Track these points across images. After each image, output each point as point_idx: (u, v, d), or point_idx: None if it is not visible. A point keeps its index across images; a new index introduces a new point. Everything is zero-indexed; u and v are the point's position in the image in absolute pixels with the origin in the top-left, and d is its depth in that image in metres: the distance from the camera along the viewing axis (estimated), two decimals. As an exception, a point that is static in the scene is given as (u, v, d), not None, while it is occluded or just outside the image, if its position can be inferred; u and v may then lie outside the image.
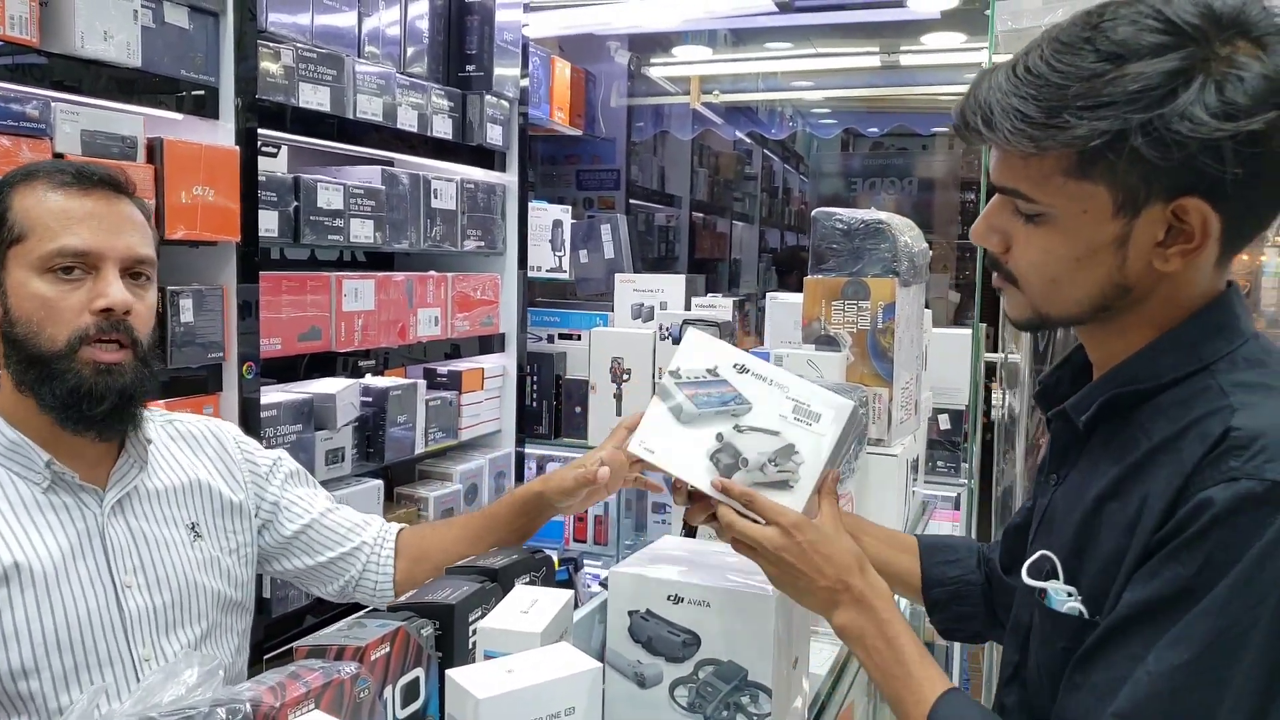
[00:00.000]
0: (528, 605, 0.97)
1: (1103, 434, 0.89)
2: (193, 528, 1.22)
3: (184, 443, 1.27)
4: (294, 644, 0.90)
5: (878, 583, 0.97)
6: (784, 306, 2.77)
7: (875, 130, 6.15)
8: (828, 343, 2.06)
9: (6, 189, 1.09)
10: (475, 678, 0.80)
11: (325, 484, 2.23)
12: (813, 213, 2.12)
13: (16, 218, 1.07)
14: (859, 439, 1.07)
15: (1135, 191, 0.78)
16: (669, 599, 1.02)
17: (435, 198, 2.50)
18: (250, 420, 1.92)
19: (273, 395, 2.07)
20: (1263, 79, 0.73)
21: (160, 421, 1.28)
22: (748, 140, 6.02)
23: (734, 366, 1.01)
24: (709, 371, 1.02)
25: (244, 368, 1.92)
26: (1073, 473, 0.93)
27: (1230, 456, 0.76)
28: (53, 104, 1.55)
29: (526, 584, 1.11)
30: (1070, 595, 0.86)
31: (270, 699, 0.76)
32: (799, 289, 2.11)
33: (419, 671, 0.94)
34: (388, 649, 0.90)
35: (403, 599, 1.01)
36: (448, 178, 2.55)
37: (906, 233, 2.12)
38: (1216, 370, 0.83)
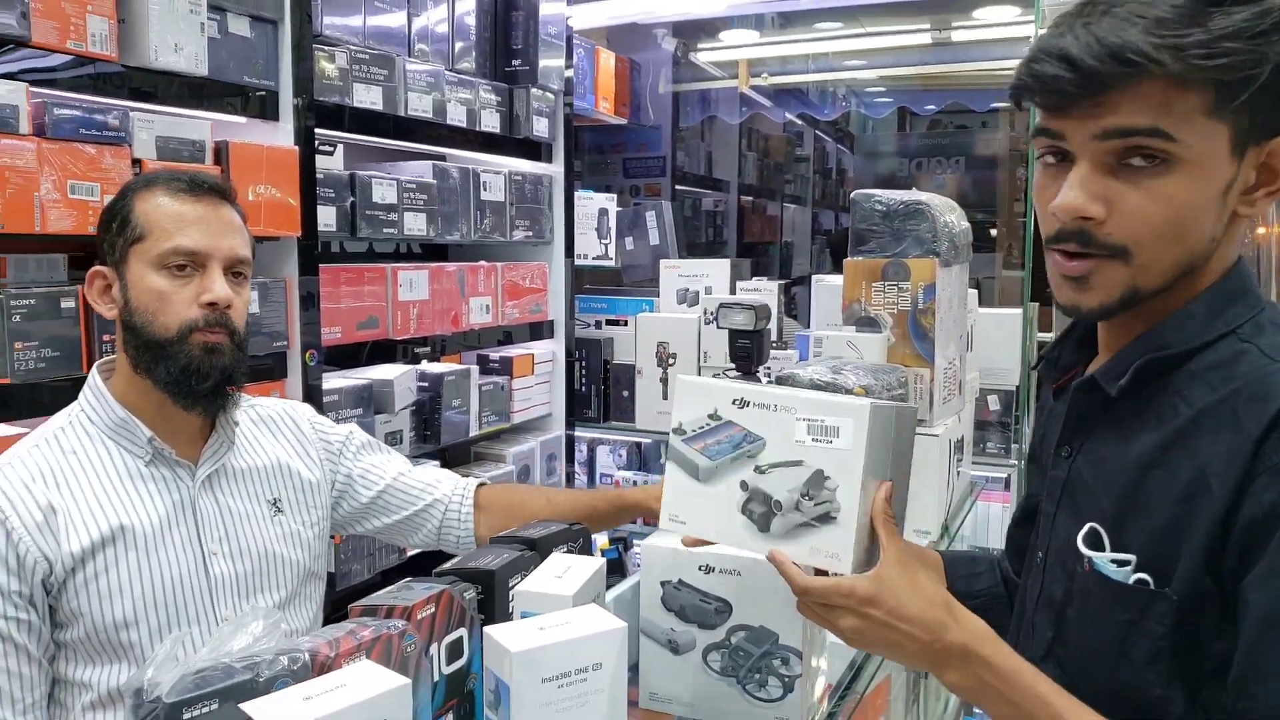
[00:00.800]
0: (562, 571, 1.04)
1: (1132, 401, 0.87)
2: (274, 504, 1.34)
3: (264, 425, 1.39)
4: (349, 605, 0.99)
5: (973, 624, 0.87)
6: (830, 289, 2.79)
7: (931, 108, 6.07)
8: (868, 324, 2.09)
9: (129, 194, 1.23)
10: (510, 634, 0.88)
11: (385, 465, 2.36)
12: (852, 194, 2.15)
13: (138, 220, 1.21)
14: (912, 429, 0.98)
15: (1246, 131, 0.78)
16: (700, 569, 1.06)
17: (484, 190, 2.59)
18: (314, 404, 2.04)
19: (334, 381, 2.19)
20: None
21: (243, 406, 1.40)
22: (798, 122, 6.00)
23: (734, 403, 0.92)
24: (711, 417, 0.93)
25: (306, 355, 2.04)
26: (1093, 443, 0.92)
27: None
28: (130, 114, 1.67)
29: (564, 554, 1.19)
30: (1126, 565, 0.83)
31: (326, 650, 0.85)
32: (855, 271, 2.14)
33: (462, 631, 1.03)
34: (433, 609, 0.98)
35: (448, 565, 1.10)
36: (496, 170, 2.64)
37: (947, 213, 2.13)
38: (1243, 334, 0.83)
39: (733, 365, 1.92)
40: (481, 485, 1.52)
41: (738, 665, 1.05)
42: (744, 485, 0.91)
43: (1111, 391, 0.87)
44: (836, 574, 0.87)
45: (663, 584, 1.09)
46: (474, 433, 2.58)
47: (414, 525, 1.48)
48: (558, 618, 0.91)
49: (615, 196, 3.15)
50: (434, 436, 2.45)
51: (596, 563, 1.08)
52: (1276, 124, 0.79)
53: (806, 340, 2.64)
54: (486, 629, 0.90)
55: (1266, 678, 0.75)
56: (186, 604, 1.22)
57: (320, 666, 0.84)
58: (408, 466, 1.51)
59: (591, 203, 3.04)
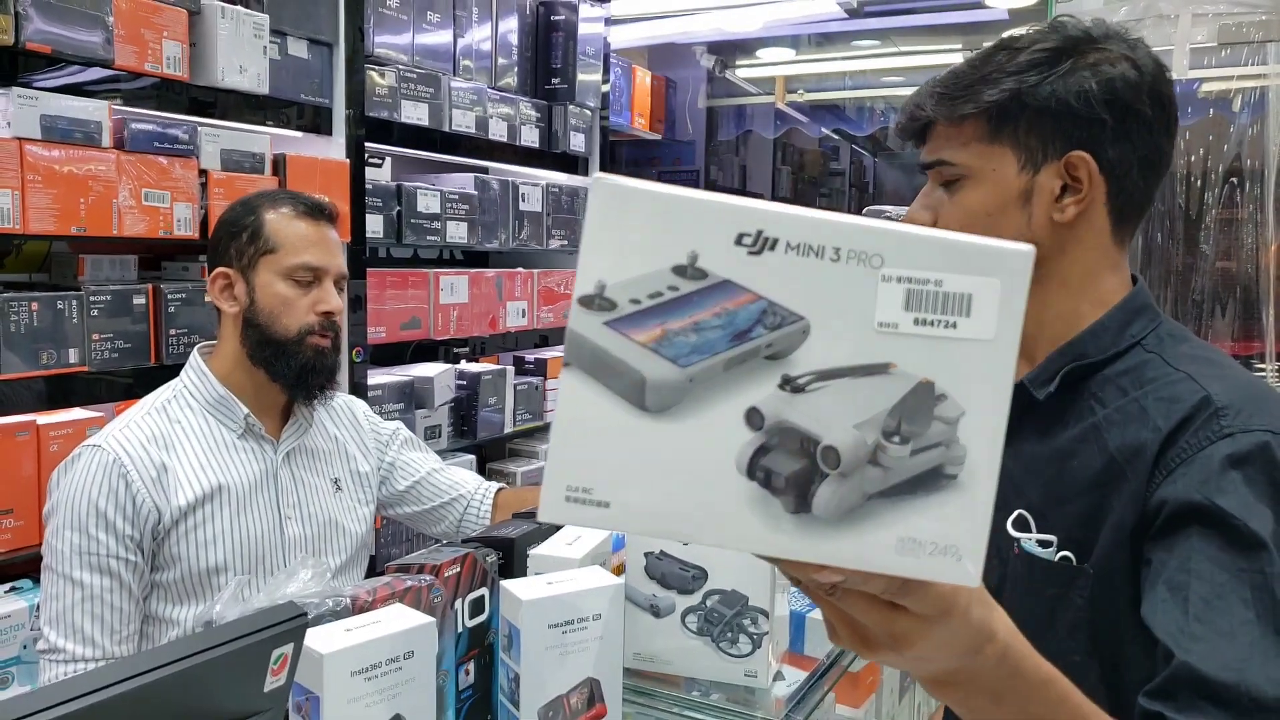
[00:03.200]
0: (573, 540, 1.16)
1: (1053, 404, 1.00)
2: (336, 482, 1.53)
3: (329, 412, 1.58)
4: (386, 564, 1.12)
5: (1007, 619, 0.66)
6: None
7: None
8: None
9: (259, 210, 1.43)
10: (523, 586, 1.00)
11: (424, 459, 2.50)
12: (864, 210, 2.25)
13: (270, 234, 1.41)
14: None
15: (1034, 151, 0.95)
16: (680, 541, 1.18)
17: (523, 201, 2.73)
18: (359, 398, 2.19)
19: (378, 377, 2.34)
20: (1124, 60, 0.95)
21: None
22: (834, 137, 6.09)
23: (740, 242, 0.44)
24: (678, 271, 0.45)
25: (353, 352, 2.19)
26: (1017, 442, 1.01)
27: (1220, 418, 0.87)
28: (198, 128, 1.84)
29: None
30: (1049, 545, 0.95)
31: (364, 596, 0.98)
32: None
33: (484, 590, 1.15)
34: (459, 569, 1.11)
35: (474, 535, 1.22)
36: (534, 182, 2.78)
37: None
38: (1148, 345, 0.97)
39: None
40: (501, 489, 1.71)
41: (712, 625, 1.15)
42: (754, 419, 0.44)
43: (1039, 396, 0.99)
44: (952, 583, 0.47)
45: (646, 555, 1.18)
46: (508, 430, 2.71)
47: (439, 516, 1.66)
48: (565, 575, 1.03)
49: (648, 208, 3.26)
50: (471, 432, 2.58)
51: (602, 535, 1.20)
52: (1062, 144, 0.95)
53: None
54: (503, 582, 1.02)
55: (1199, 638, 0.82)
56: (265, 557, 1.40)
57: (359, 609, 0.97)
58: (441, 466, 1.71)
59: (625, 214, 3.16)
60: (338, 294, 1.46)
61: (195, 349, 1.46)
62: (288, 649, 0.60)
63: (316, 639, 0.84)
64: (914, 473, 0.44)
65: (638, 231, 0.45)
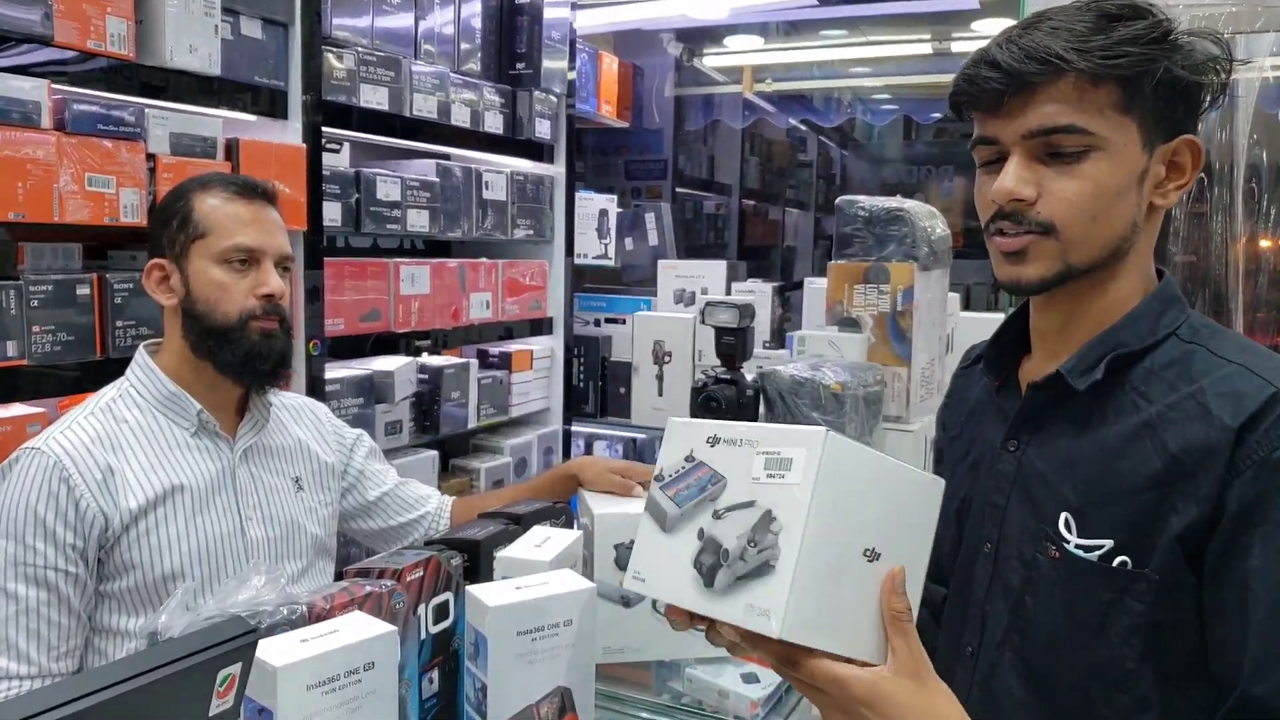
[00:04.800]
0: (541, 541, 1.12)
1: (1090, 397, 0.93)
2: (296, 480, 1.47)
3: (288, 412, 1.52)
4: (344, 568, 1.07)
5: None
6: (821, 292, 2.87)
7: (935, 115, 6.14)
8: (850, 324, 2.17)
9: (188, 195, 1.36)
10: (489, 591, 0.95)
11: (385, 452, 2.43)
12: (837, 200, 2.23)
13: (199, 219, 1.34)
14: (930, 504, 0.83)
15: (1152, 129, 0.90)
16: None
17: (487, 189, 2.67)
18: (316, 393, 2.12)
19: (336, 371, 2.26)
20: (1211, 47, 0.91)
21: (271, 394, 1.52)
22: (802, 128, 6.08)
23: (707, 442, 0.80)
24: (686, 460, 0.82)
25: (310, 345, 2.11)
26: (1045, 436, 0.96)
27: None
28: (145, 110, 1.75)
29: (545, 527, 1.26)
30: (1097, 549, 0.88)
31: (321, 603, 0.93)
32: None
33: (448, 595, 1.10)
34: (421, 573, 1.06)
35: (438, 536, 1.18)
36: (498, 170, 2.72)
37: (927, 219, 2.21)
38: (1182, 335, 0.93)
39: (719, 363, 1.99)
40: (455, 501, 1.67)
41: None
42: (700, 534, 0.78)
43: (1080, 387, 0.93)
44: (767, 636, 0.72)
45: (616, 546, 1.19)
46: (472, 425, 2.65)
47: (402, 533, 1.61)
48: (534, 579, 0.99)
49: (616, 198, 3.22)
50: (433, 427, 2.52)
51: (573, 535, 1.16)
52: (1175, 125, 0.91)
53: (791, 340, 2.71)
54: (468, 587, 0.98)
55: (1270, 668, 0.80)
56: (225, 561, 1.34)
57: (316, 617, 0.92)
58: (402, 480, 1.66)
59: (592, 203, 3.12)
60: (280, 276, 1.38)
61: (141, 345, 1.39)
62: (235, 669, 0.55)
63: (270, 650, 0.79)
64: (757, 564, 0.74)
65: (677, 440, 0.85)
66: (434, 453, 2.53)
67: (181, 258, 1.34)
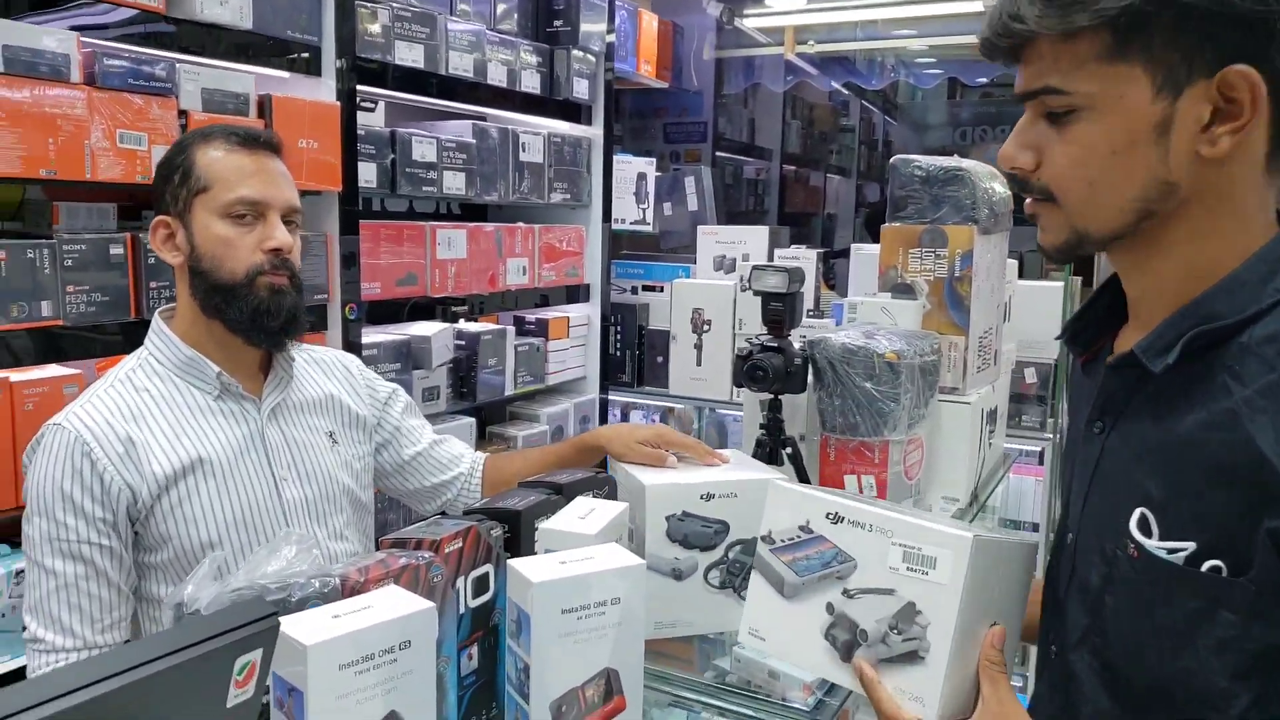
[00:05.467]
0: (586, 513, 1.06)
1: (1175, 376, 0.81)
2: (330, 435, 1.42)
3: (317, 366, 1.47)
4: (380, 538, 1.02)
5: None
6: (869, 259, 2.77)
7: (982, 79, 5.95)
8: (904, 291, 2.07)
9: (188, 148, 1.28)
10: (532, 566, 0.90)
11: (422, 421, 2.40)
12: (891, 160, 2.13)
13: (200, 172, 1.27)
14: (1028, 568, 0.92)
15: (1176, 68, 0.75)
16: (702, 498, 1.14)
17: (523, 151, 2.60)
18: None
19: (373, 336, 2.23)
20: None
21: (297, 349, 1.47)
22: (845, 91, 5.92)
23: (827, 517, 0.86)
24: (801, 529, 0.87)
25: (346, 309, 2.07)
26: (1128, 421, 0.86)
27: None
28: (177, 66, 1.70)
29: (589, 498, 1.21)
30: (1180, 551, 0.77)
31: (355, 576, 0.88)
32: (894, 244, 2.12)
33: (488, 567, 1.05)
34: (460, 544, 1.01)
35: (477, 505, 1.12)
36: (535, 131, 2.65)
37: (987, 180, 2.10)
38: None
39: (765, 330, 1.92)
40: (487, 458, 1.61)
41: (734, 576, 1.13)
42: (830, 608, 0.84)
43: (1155, 369, 0.81)
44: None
45: (668, 518, 1.14)
46: (509, 392, 2.61)
47: (436, 492, 1.55)
48: (579, 553, 0.93)
49: (655, 161, 3.13)
50: (470, 394, 2.48)
51: (619, 507, 1.10)
52: (1214, 56, 0.75)
53: (840, 309, 2.62)
54: (510, 561, 0.92)
55: None
56: (263, 525, 1.29)
57: (350, 590, 0.87)
58: (439, 437, 1.59)
59: (630, 167, 3.04)
60: (289, 229, 1.31)
61: (157, 312, 1.34)
62: (255, 656, 0.50)
63: (301, 627, 0.74)
64: (902, 651, 0.80)
65: (787, 509, 0.89)
66: (471, 420, 2.49)
67: (185, 213, 1.27)
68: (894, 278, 2.11)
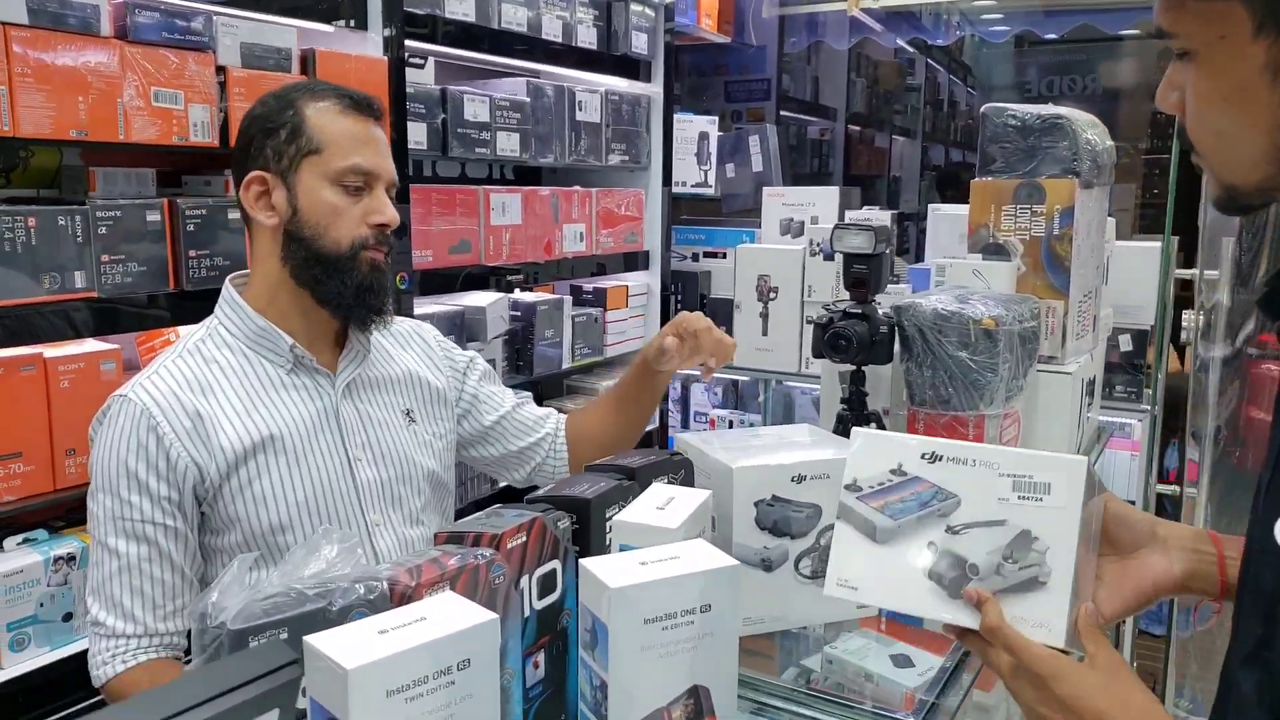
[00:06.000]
0: (664, 502, 0.94)
1: None
2: (408, 413, 1.32)
3: (394, 338, 1.37)
4: (435, 533, 0.91)
5: None
6: (947, 219, 2.59)
7: (1053, 34, 5.63)
8: (996, 251, 1.90)
9: (296, 103, 1.19)
10: (609, 568, 0.77)
11: (476, 395, 2.30)
12: (982, 109, 1.94)
13: (313, 132, 1.18)
14: (1100, 501, 0.88)
15: (1275, 4, 0.68)
16: (793, 480, 1.06)
17: (580, 110, 2.46)
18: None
19: (425, 306, 2.12)
20: None
21: None
22: (910, 49, 5.65)
23: (923, 457, 0.83)
24: (893, 472, 0.83)
25: (397, 279, 1.96)
26: None
27: None
28: (214, 18, 1.60)
29: (665, 484, 1.08)
30: None
31: (406, 579, 0.77)
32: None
33: (555, 564, 0.93)
34: (524, 539, 0.89)
35: (541, 492, 1.00)
36: (592, 89, 2.51)
37: (1088, 129, 1.91)
38: None
39: (846, 296, 1.76)
40: (565, 418, 1.53)
41: (826, 563, 1.02)
42: (932, 546, 0.81)
43: None
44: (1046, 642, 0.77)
45: (756, 504, 1.06)
46: (566, 365, 2.49)
47: (521, 459, 1.47)
48: (662, 552, 0.81)
49: (717, 121, 2.97)
50: (526, 367, 2.37)
51: (702, 494, 0.97)
52: None
53: (922, 274, 2.45)
54: (582, 561, 0.80)
55: None
56: (337, 508, 1.21)
57: (399, 597, 0.76)
58: (520, 400, 1.51)
59: (691, 126, 2.88)
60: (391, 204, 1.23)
61: (228, 279, 1.25)
62: (271, 716, 0.38)
63: (341, 646, 0.63)
64: (1020, 580, 0.79)
65: (876, 455, 0.85)
66: (527, 394, 2.37)
67: (289, 173, 1.18)
68: (985, 237, 1.94)
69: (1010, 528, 0.78)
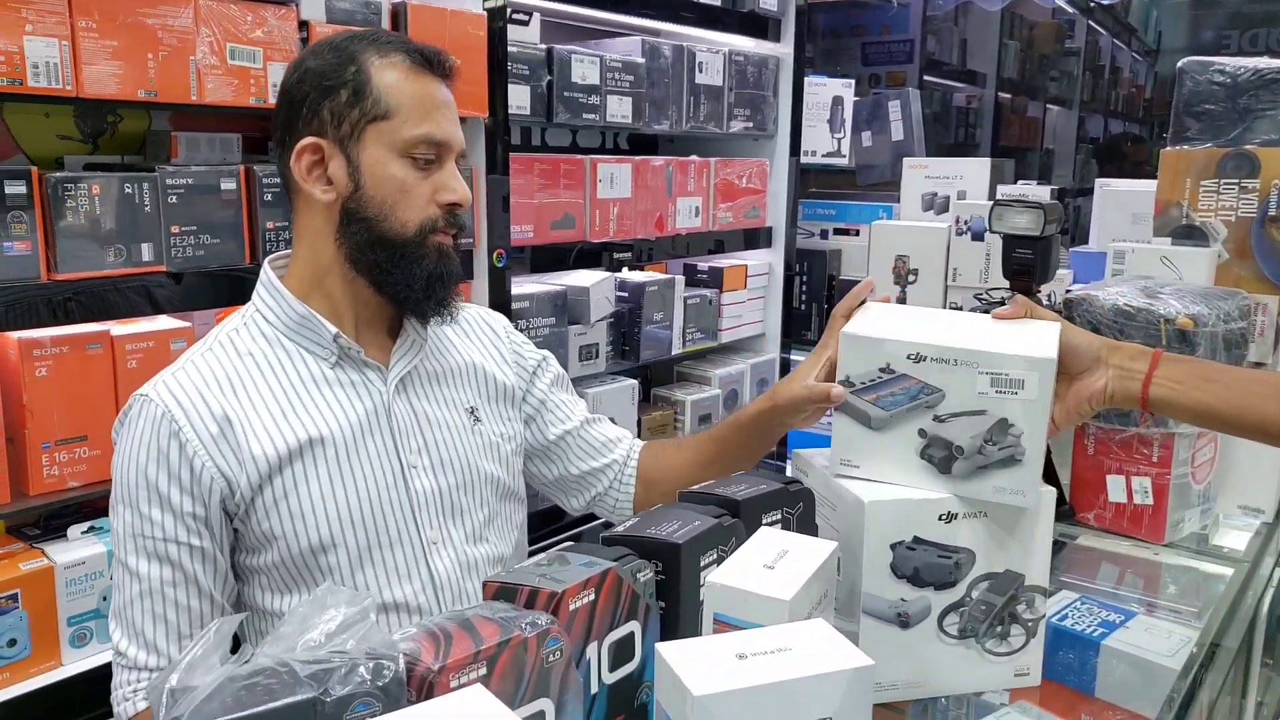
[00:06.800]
0: (774, 556, 0.73)
1: None
2: (472, 412, 1.15)
3: (456, 326, 1.19)
4: (485, 581, 0.73)
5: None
6: (1118, 196, 2.25)
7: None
8: (1190, 235, 1.59)
9: (360, 58, 1.02)
10: (694, 661, 0.58)
11: (579, 380, 2.14)
12: (1179, 64, 1.62)
13: (380, 93, 1.01)
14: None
15: None
16: (941, 519, 0.92)
17: (700, 72, 2.24)
18: (502, 311, 1.82)
19: (525, 286, 1.97)
20: None
21: None
22: (1069, 8, 5.13)
23: (909, 358, 0.92)
24: (882, 371, 0.93)
25: (494, 255, 1.81)
26: None
27: None
28: (297, -32, 1.46)
29: (776, 523, 0.87)
30: None
31: (429, 657, 0.59)
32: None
33: (634, 626, 0.74)
34: (592, 596, 0.70)
35: (620, 529, 0.81)
36: (714, 49, 2.29)
37: (1318, 86, 1.56)
38: None
39: (1001, 283, 1.49)
40: (644, 447, 1.28)
41: (978, 622, 0.94)
42: (922, 433, 0.92)
43: None
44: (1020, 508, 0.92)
45: (892, 547, 0.91)
46: (676, 351, 2.30)
47: (581, 485, 1.25)
48: (769, 639, 0.60)
49: (853, 85, 2.70)
50: (633, 352, 2.19)
51: (826, 547, 0.75)
52: None
53: (1092, 260, 2.13)
54: (660, 648, 0.60)
55: None
56: (387, 523, 1.05)
57: (420, 685, 0.58)
58: (593, 416, 1.28)
59: (824, 90, 2.63)
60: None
61: (266, 261, 1.08)
62: None
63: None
64: (999, 458, 0.90)
65: (862, 356, 0.94)
66: (633, 381, 2.21)
67: (351, 140, 1.01)
68: (1176, 218, 1.63)
69: (990, 416, 0.90)
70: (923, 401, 0.91)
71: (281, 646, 0.58)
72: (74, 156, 1.51)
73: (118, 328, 1.36)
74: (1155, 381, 0.96)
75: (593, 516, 1.46)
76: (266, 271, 1.07)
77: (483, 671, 0.60)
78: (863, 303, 1.05)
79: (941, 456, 0.91)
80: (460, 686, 0.59)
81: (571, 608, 0.69)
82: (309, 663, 0.57)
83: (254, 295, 1.08)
